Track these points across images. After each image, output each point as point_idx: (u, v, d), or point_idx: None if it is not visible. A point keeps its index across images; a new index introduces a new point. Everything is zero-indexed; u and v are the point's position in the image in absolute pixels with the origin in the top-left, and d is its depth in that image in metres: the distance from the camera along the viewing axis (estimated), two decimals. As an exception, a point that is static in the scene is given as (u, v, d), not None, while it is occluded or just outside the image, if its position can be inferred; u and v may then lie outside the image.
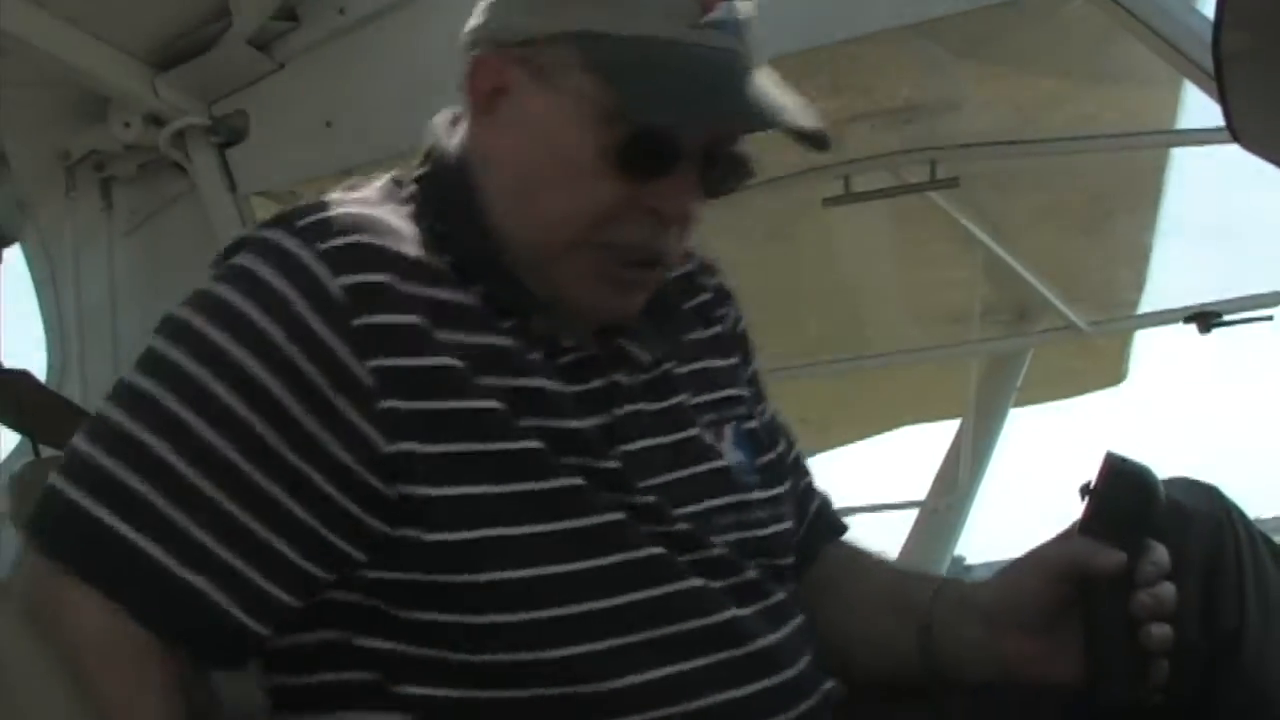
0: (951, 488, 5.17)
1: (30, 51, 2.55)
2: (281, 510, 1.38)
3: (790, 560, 1.63)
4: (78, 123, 2.89)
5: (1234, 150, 1.64)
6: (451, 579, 1.40)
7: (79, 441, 1.39)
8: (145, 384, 1.39)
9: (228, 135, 2.91)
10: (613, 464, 1.48)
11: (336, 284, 1.39)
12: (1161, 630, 1.49)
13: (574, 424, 1.47)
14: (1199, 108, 3.54)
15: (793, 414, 5.98)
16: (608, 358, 1.54)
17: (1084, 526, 1.56)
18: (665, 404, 1.59)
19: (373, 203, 1.52)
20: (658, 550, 1.47)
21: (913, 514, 5.38)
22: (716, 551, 1.52)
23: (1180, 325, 4.67)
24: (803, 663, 1.54)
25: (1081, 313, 4.99)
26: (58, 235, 3.00)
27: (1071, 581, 1.53)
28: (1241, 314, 4.49)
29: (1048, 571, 1.56)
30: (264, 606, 1.38)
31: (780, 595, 1.56)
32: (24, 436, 2.04)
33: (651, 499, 1.49)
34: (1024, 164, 3.96)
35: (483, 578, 1.40)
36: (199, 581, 1.35)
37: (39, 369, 3.02)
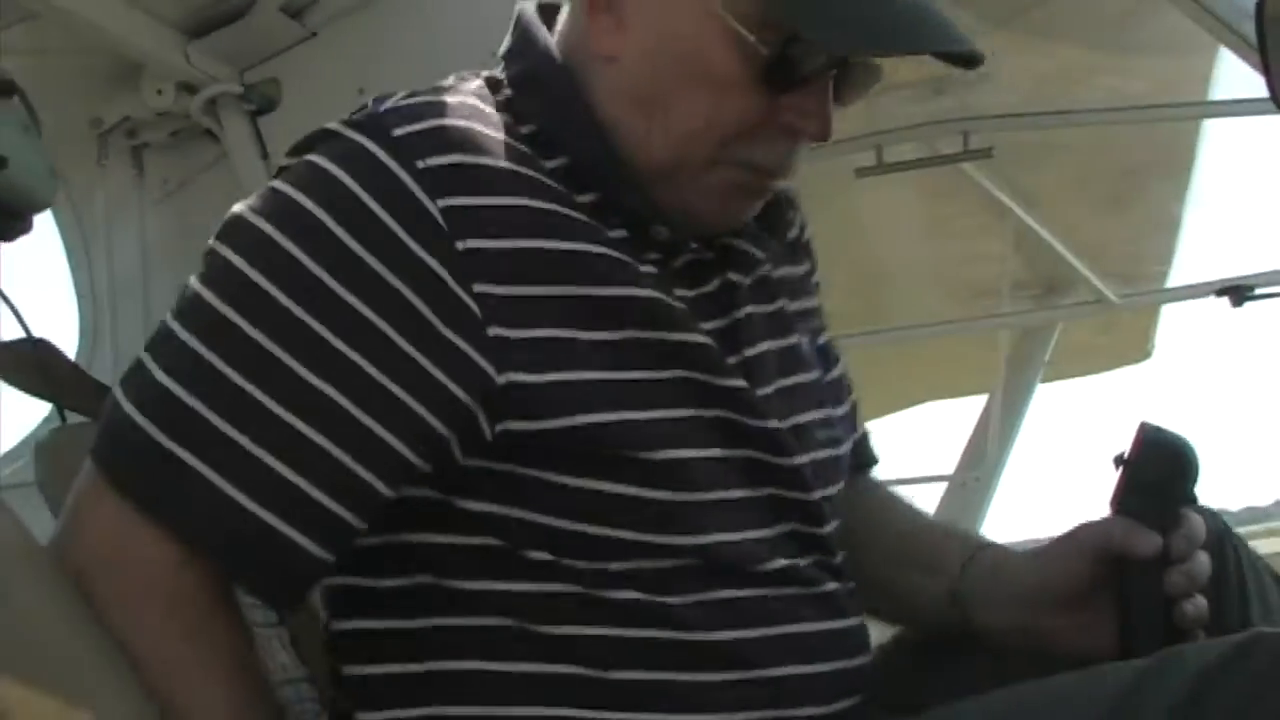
0: (979, 462, 5.16)
1: (63, 17, 2.55)
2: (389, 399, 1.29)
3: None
4: (110, 90, 2.89)
5: (1268, 121, 1.63)
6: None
7: (146, 361, 1.30)
8: (208, 295, 1.30)
9: (260, 103, 2.90)
10: (735, 380, 1.43)
11: (438, 206, 1.31)
12: (1196, 605, 1.48)
13: (693, 338, 1.40)
14: (1232, 79, 3.53)
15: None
16: (720, 257, 1.49)
17: (1117, 497, 1.55)
18: (772, 307, 1.54)
19: (469, 111, 1.40)
20: (762, 456, 1.42)
21: (940, 488, 5.37)
22: (803, 464, 1.47)
23: (1211, 299, 4.66)
24: (857, 618, 1.51)
25: (1111, 286, 4.97)
26: (89, 203, 2.99)
27: (1107, 563, 1.51)
28: (1275, 287, 4.47)
29: (1084, 552, 1.54)
30: (359, 503, 1.32)
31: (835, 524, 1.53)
32: (50, 404, 2.04)
33: (770, 415, 1.44)
34: (1055, 135, 3.94)
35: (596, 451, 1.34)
36: (273, 519, 1.27)
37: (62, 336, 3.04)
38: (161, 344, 1.31)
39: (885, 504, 1.80)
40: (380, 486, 1.31)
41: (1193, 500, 1.55)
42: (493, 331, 1.31)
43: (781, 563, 1.43)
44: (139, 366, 1.31)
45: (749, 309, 1.49)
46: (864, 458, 1.79)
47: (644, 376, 1.37)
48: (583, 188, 1.41)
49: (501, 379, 1.31)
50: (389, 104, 1.38)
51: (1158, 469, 1.54)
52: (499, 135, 1.39)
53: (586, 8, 1.45)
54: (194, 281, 1.32)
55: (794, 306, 1.59)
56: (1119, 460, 1.55)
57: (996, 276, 4.73)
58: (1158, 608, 1.49)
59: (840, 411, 1.64)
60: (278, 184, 1.34)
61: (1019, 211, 4.17)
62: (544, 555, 1.34)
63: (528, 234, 1.34)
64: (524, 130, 1.42)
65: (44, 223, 3.10)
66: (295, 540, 1.28)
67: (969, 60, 1.45)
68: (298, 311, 1.27)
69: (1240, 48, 2.53)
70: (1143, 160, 4.36)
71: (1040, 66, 3.60)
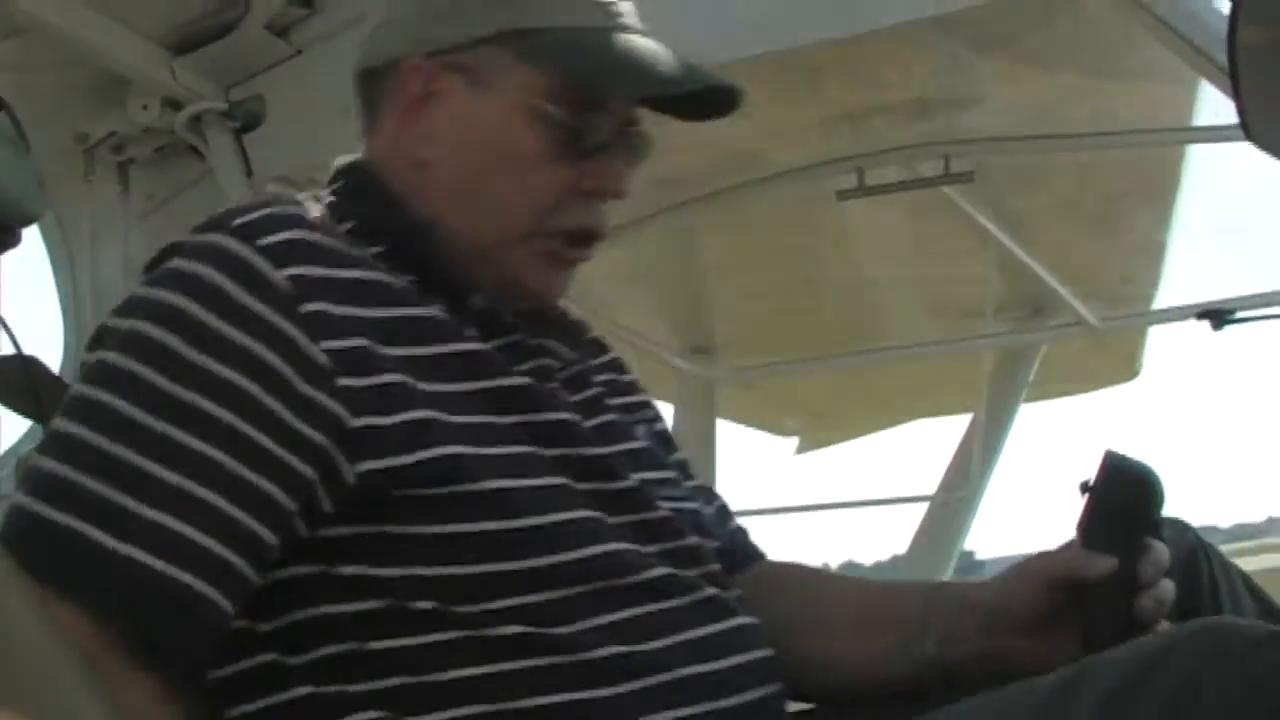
0: (962, 482, 5.17)
1: (50, 33, 2.56)
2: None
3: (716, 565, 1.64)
4: (96, 106, 2.90)
5: (1250, 148, 1.65)
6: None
7: (33, 459, 1.37)
8: (84, 390, 1.37)
9: (244, 120, 2.92)
10: (565, 414, 1.55)
11: (281, 275, 1.41)
12: (1163, 631, 1.50)
13: (519, 380, 1.52)
14: (1215, 105, 3.55)
15: (806, 408, 6.03)
16: (535, 347, 1.60)
17: (1083, 525, 1.56)
18: (585, 394, 1.65)
19: (297, 206, 1.53)
20: (595, 513, 1.50)
21: (922, 508, 5.38)
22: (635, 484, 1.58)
23: (1193, 322, 4.67)
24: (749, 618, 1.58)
25: (1095, 309, 4.99)
26: (75, 217, 3.01)
27: (1067, 589, 1.55)
28: (1254, 311, 4.49)
29: (1044, 578, 1.58)
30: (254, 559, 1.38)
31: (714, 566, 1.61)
32: (35, 422, 2.05)
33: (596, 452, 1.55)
34: (1039, 160, 3.96)
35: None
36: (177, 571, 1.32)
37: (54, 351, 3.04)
38: (49, 442, 1.37)
39: (823, 582, 1.87)
40: (264, 532, 1.37)
41: (1157, 526, 1.56)
42: (342, 382, 1.39)
43: (660, 572, 1.50)
44: (29, 468, 1.37)
45: (556, 385, 1.60)
46: (753, 550, 1.85)
47: (484, 420, 1.47)
48: (402, 270, 1.52)
49: (355, 422, 1.39)
50: (221, 213, 1.48)
51: (1122, 496, 1.55)
52: (327, 224, 1.51)
53: (398, 122, 1.61)
54: (72, 389, 1.40)
55: (615, 401, 1.71)
56: (1084, 487, 1.57)
57: (981, 298, 4.74)
58: (1123, 632, 1.50)
59: (691, 483, 1.74)
60: (138, 290, 1.43)
61: (1001, 236, 4.18)
62: (428, 604, 1.41)
63: (361, 302, 1.45)
64: (345, 227, 1.55)
65: (31, 237, 3.12)
66: (191, 585, 1.32)
67: (730, 97, 1.62)
68: (164, 383, 1.35)
69: (1216, 76, 2.55)
70: (1127, 185, 4.38)
71: (1025, 92, 3.62)
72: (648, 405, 1.81)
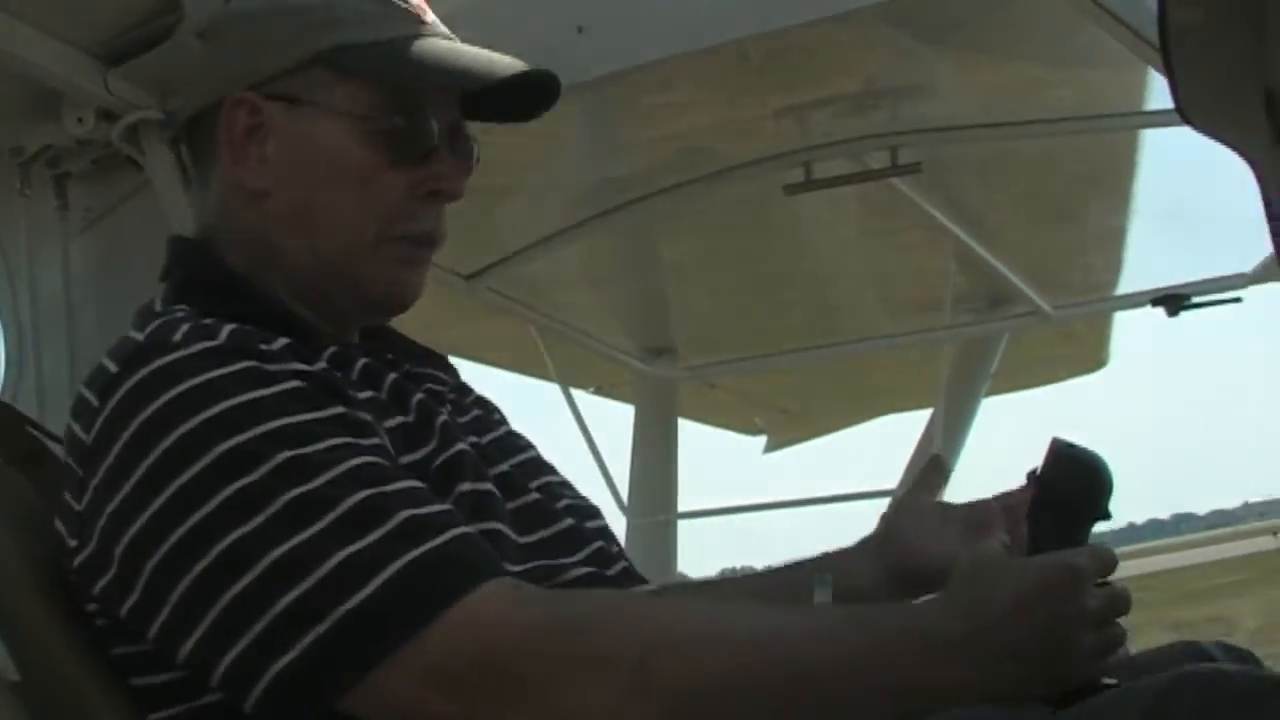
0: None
1: (-22, 47, 2.52)
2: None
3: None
4: (30, 119, 2.84)
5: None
6: None
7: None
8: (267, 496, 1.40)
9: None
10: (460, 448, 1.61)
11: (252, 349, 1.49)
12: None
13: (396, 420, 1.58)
14: (1165, 89, 3.53)
15: (773, 405, 6.01)
16: (420, 375, 1.71)
17: (1030, 513, 1.55)
18: (469, 416, 1.74)
19: (167, 324, 1.56)
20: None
21: (885, 504, 5.36)
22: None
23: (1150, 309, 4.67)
24: None
25: (1054, 298, 4.98)
26: (12, 233, 2.95)
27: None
28: (1210, 296, 4.49)
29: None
30: None
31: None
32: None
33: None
34: (993, 151, 3.95)
35: None
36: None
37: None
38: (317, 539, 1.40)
39: (734, 583, 1.99)
40: None
41: (1105, 515, 1.54)
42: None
43: (584, 570, 1.59)
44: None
45: (447, 409, 1.68)
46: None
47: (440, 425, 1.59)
48: (274, 340, 1.56)
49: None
50: (141, 345, 1.53)
51: (1070, 484, 1.54)
52: (198, 322, 1.55)
53: (229, 161, 1.66)
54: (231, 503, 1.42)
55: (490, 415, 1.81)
56: (1032, 476, 1.55)
57: (939, 292, 4.73)
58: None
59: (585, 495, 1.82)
60: (172, 438, 1.44)
61: (956, 229, 4.16)
62: None
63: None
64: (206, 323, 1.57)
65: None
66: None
67: (542, 94, 1.72)
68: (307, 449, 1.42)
69: (1155, 59, 2.53)
70: (1082, 173, 4.37)
71: (973, 82, 3.60)
72: (520, 435, 1.86)
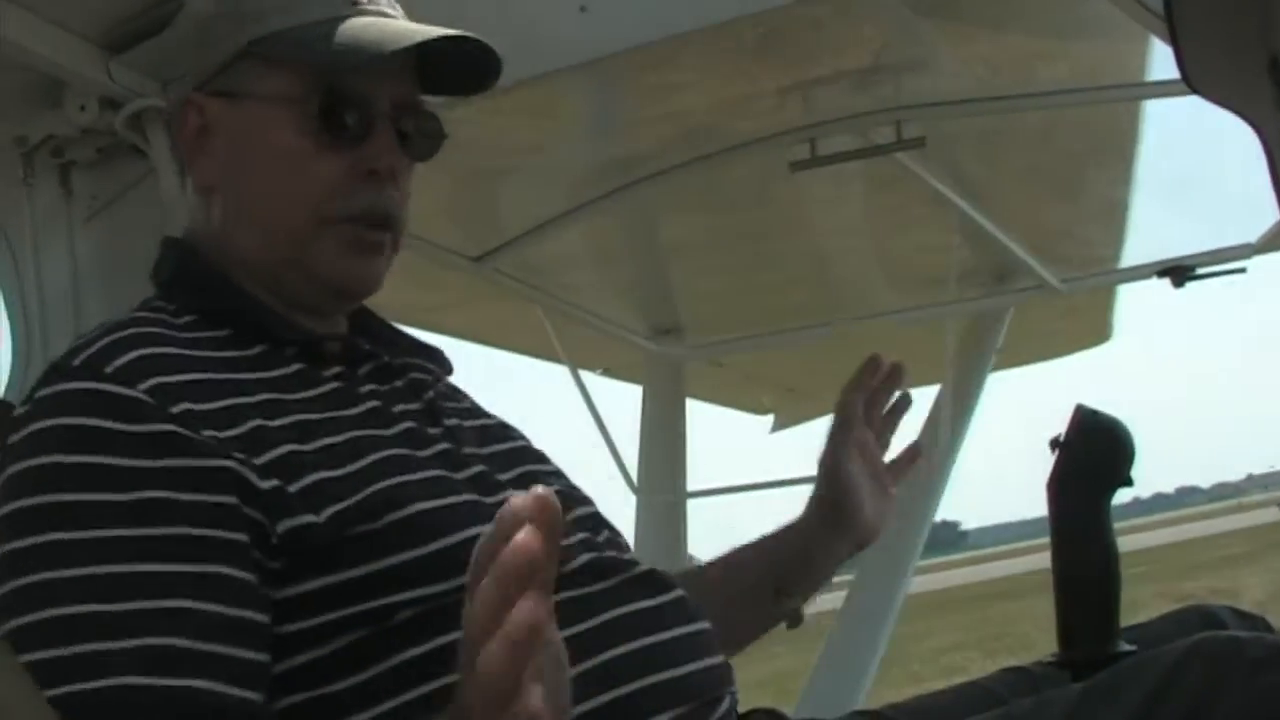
0: (930, 453, 5.15)
1: (-20, 36, 2.51)
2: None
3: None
4: (33, 108, 2.84)
5: (1204, 101, 1.62)
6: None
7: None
8: (15, 579, 1.41)
9: (186, 116, 2.87)
10: (444, 445, 1.64)
11: (138, 390, 1.48)
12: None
13: (401, 426, 1.63)
14: (1168, 60, 3.52)
15: (779, 383, 6.00)
16: (401, 365, 1.73)
17: (1054, 479, 1.55)
18: (460, 404, 1.78)
19: (134, 322, 1.61)
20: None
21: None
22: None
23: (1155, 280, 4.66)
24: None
25: (1059, 271, 4.97)
26: (17, 223, 2.95)
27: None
28: (1215, 267, 4.48)
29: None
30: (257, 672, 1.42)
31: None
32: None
33: (482, 468, 1.64)
34: (995, 123, 3.93)
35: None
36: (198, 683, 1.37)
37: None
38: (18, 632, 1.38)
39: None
40: (247, 613, 1.43)
41: (1128, 482, 1.55)
42: (237, 454, 1.48)
43: (586, 557, 1.59)
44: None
45: (431, 394, 1.72)
46: None
47: (368, 462, 1.54)
48: (250, 343, 1.62)
49: (265, 485, 1.47)
50: (63, 355, 1.59)
51: (1093, 450, 1.55)
52: (167, 332, 1.60)
53: (190, 155, 1.72)
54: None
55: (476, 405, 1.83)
56: (1054, 443, 1.56)
57: (944, 267, 4.72)
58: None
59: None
60: (9, 468, 1.47)
61: (960, 202, 4.15)
62: (409, 613, 1.47)
63: (228, 394, 1.54)
64: (183, 320, 1.63)
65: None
66: (223, 692, 1.38)
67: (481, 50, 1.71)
68: (79, 534, 1.40)
69: (1158, 28, 2.53)
70: (1085, 145, 4.36)
71: (975, 54, 3.59)
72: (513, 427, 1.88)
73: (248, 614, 1.43)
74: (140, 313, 1.64)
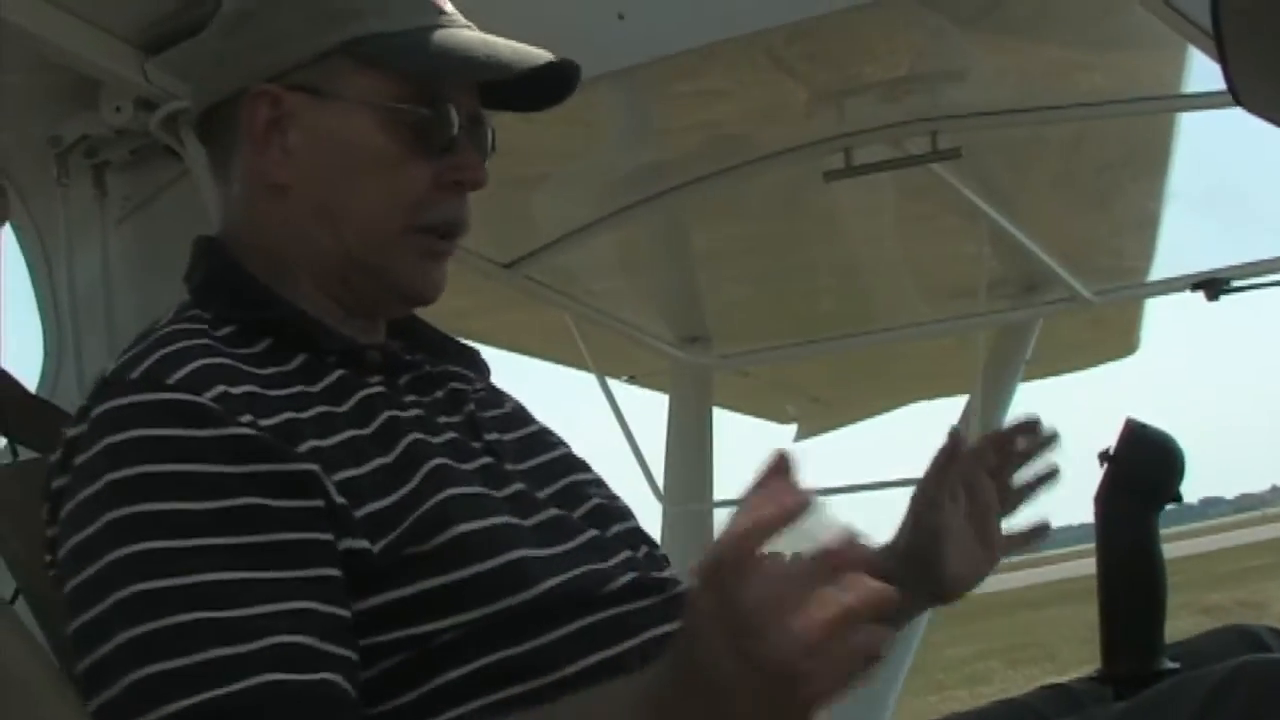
0: (960, 463, 5.12)
1: (16, 35, 2.51)
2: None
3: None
4: (68, 108, 2.84)
5: (1242, 113, 1.61)
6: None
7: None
8: (121, 590, 1.39)
9: (221, 117, 2.87)
10: (485, 459, 1.62)
11: (205, 398, 1.47)
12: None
13: (445, 436, 1.61)
14: (1205, 70, 3.51)
15: (805, 393, 6.01)
16: (440, 374, 1.72)
17: (1102, 493, 1.53)
18: (497, 411, 1.76)
19: (178, 336, 1.57)
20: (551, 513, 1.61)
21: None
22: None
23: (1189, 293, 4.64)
24: None
25: (1090, 283, 4.95)
26: (51, 223, 2.95)
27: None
28: (1250, 280, 4.45)
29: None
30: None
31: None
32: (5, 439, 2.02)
33: (520, 486, 1.63)
34: (1028, 134, 3.92)
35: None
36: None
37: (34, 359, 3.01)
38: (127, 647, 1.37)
39: None
40: (339, 611, 1.43)
41: (1177, 498, 1.54)
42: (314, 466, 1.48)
43: (628, 577, 1.58)
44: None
45: (471, 406, 1.70)
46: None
47: (419, 478, 1.53)
48: (291, 356, 1.59)
49: (338, 500, 1.47)
50: (114, 370, 1.55)
51: (1143, 464, 1.53)
52: (213, 344, 1.57)
53: (251, 153, 1.66)
54: (95, 588, 1.41)
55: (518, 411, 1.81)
56: (1104, 456, 1.54)
57: (974, 277, 4.71)
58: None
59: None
60: (87, 492, 1.45)
61: (992, 213, 4.14)
62: (450, 636, 1.47)
63: (279, 410, 1.51)
64: (222, 333, 1.59)
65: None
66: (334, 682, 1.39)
67: (562, 83, 1.74)
68: (174, 543, 1.39)
69: (1202, 41, 2.51)
70: (1118, 157, 4.35)
71: (1011, 65, 3.58)
72: (545, 431, 1.85)
73: (348, 615, 1.44)
74: (180, 324, 1.61)
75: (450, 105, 1.66)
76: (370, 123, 1.64)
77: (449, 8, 1.73)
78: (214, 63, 1.74)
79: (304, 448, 1.49)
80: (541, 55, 1.68)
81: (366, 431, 1.55)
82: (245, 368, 1.54)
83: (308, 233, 1.65)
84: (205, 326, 1.59)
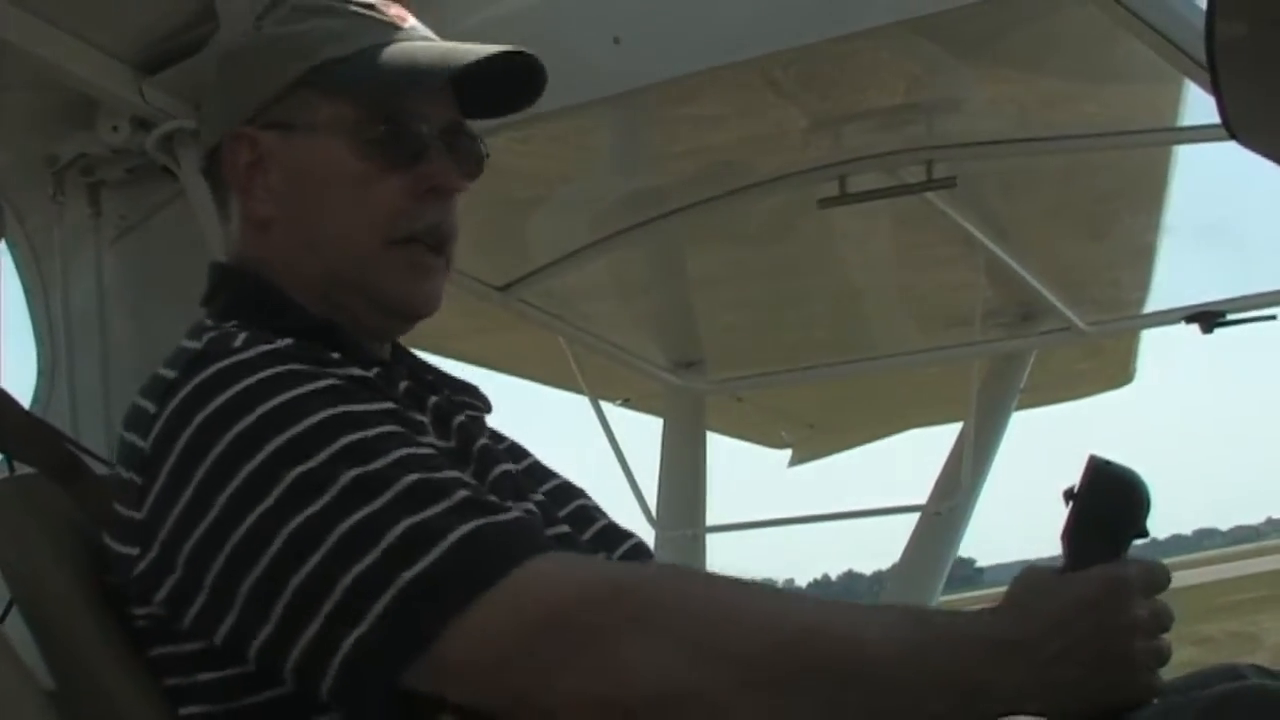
0: (953, 491, 5.14)
1: (14, 54, 2.51)
2: None
3: None
4: (65, 127, 2.85)
5: (1237, 146, 1.61)
6: None
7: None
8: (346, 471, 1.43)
9: (217, 138, 2.87)
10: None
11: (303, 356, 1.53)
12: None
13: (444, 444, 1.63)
14: (1201, 103, 3.51)
15: (800, 419, 6.00)
16: (460, 403, 1.76)
17: (1068, 532, 1.53)
18: (504, 444, 1.79)
19: (225, 334, 1.59)
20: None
21: (914, 519, 5.34)
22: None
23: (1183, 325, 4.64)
24: None
25: (1085, 314, 4.96)
26: (46, 241, 2.95)
27: None
28: (1244, 313, 4.45)
29: None
30: None
31: None
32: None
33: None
34: (1024, 164, 3.93)
35: None
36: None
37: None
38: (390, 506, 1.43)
39: None
40: None
41: (1143, 533, 1.53)
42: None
43: None
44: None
45: (485, 440, 1.71)
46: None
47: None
48: (333, 348, 1.61)
49: None
50: (201, 349, 1.58)
51: (1107, 502, 1.53)
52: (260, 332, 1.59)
53: (239, 190, 1.70)
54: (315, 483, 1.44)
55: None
56: (1069, 495, 1.54)
57: (969, 305, 4.71)
58: None
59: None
60: (250, 415, 1.47)
61: (987, 242, 4.14)
62: None
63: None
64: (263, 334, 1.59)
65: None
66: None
67: (531, 79, 1.75)
68: (364, 433, 1.46)
69: (1198, 74, 2.51)
70: (1115, 188, 4.35)
71: (1008, 95, 3.58)
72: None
73: None
74: (223, 330, 1.62)
75: (412, 115, 1.69)
76: (338, 148, 1.67)
77: (409, 23, 1.75)
78: (206, 109, 1.81)
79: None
80: (485, 49, 1.70)
81: (424, 416, 1.64)
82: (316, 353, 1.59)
83: (296, 262, 1.68)
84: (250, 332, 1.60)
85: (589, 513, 1.78)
